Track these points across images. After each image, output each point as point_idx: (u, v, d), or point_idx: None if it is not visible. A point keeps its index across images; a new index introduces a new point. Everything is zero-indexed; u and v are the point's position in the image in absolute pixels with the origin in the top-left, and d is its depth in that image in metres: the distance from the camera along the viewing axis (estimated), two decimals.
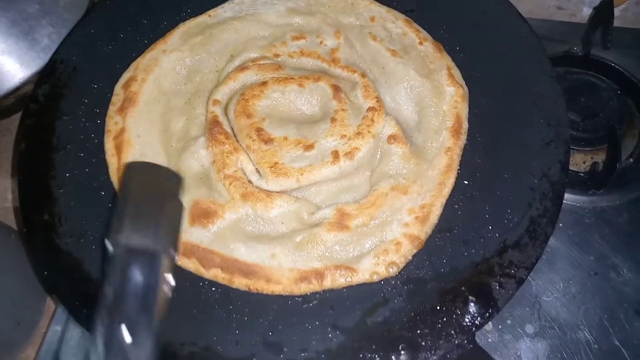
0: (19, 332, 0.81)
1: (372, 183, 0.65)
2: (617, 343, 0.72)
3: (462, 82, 0.72)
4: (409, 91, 0.72)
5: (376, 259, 0.60)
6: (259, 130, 0.68)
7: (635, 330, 0.72)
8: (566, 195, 0.80)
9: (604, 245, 0.78)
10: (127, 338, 0.44)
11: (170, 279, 0.48)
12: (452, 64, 0.73)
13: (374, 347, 0.56)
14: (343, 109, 0.68)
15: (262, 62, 0.75)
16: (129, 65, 0.76)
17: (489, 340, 0.73)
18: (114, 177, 0.68)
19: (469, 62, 0.72)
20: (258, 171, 0.66)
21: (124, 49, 0.78)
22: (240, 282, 0.60)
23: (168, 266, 0.48)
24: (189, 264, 0.62)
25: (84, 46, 0.78)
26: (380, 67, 0.74)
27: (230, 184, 0.65)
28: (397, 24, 0.77)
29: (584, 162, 0.83)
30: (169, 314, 0.58)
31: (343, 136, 0.66)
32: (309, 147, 0.66)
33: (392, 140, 0.65)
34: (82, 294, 0.61)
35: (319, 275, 0.60)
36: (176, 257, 0.51)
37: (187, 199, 0.64)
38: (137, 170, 0.55)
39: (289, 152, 0.66)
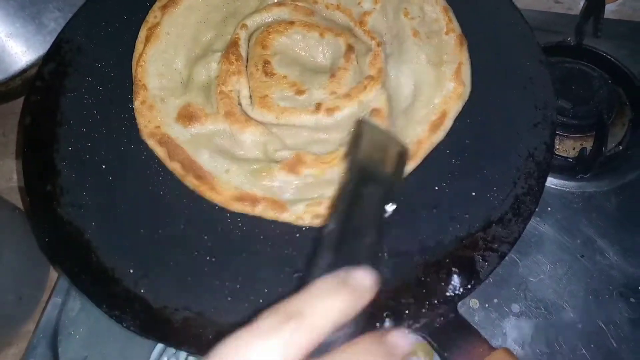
0: (21, 307, 0.83)
1: (339, 144, 0.68)
2: (601, 324, 0.73)
3: (467, 81, 0.71)
4: (412, 74, 0.73)
5: (307, 207, 0.64)
6: (266, 63, 0.73)
7: (619, 310, 0.74)
8: (555, 180, 0.82)
9: (592, 230, 0.79)
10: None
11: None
12: (467, 61, 0.73)
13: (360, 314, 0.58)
14: (346, 69, 0.71)
15: (299, 3, 0.79)
16: (132, 46, 0.78)
17: (476, 318, 0.75)
18: (135, 62, 0.76)
19: None
20: (250, 98, 0.72)
21: (127, 30, 0.80)
22: (190, 181, 0.67)
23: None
24: (160, 151, 0.70)
25: (89, 27, 0.80)
26: (400, 43, 0.76)
27: (221, 100, 0.71)
28: (434, 8, 0.77)
29: (574, 149, 0.85)
30: (163, 281, 0.61)
31: (333, 92, 0.69)
32: (301, 92, 0.70)
33: (375, 114, 0.67)
34: (82, 261, 0.64)
35: (255, 201, 0.65)
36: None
37: (184, 99, 0.72)
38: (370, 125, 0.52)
39: (282, 90, 0.71)
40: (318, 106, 0.68)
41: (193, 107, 0.71)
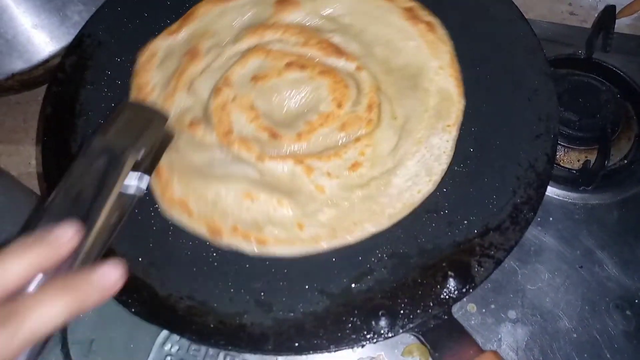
0: None
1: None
2: (596, 334, 0.75)
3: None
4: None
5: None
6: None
7: (614, 322, 0.75)
8: (558, 191, 0.83)
9: (592, 241, 0.80)
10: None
11: (136, 181, 0.57)
12: None
13: (356, 312, 0.60)
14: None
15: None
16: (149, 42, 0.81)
17: (472, 322, 0.76)
18: None
19: (470, 58, 0.75)
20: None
21: (147, 27, 0.83)
22: None
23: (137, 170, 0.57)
24: None
25: (110, 22, 0.84)
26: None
27: None
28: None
29: (578, 160, 0.86)
30: (170, 270, 0.64)
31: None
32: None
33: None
34: None
35: None
36: (147, 178, 0.60)
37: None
38: (129, 103, 0.68)
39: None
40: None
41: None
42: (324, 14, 0.80)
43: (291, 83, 0.75)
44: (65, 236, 0.41)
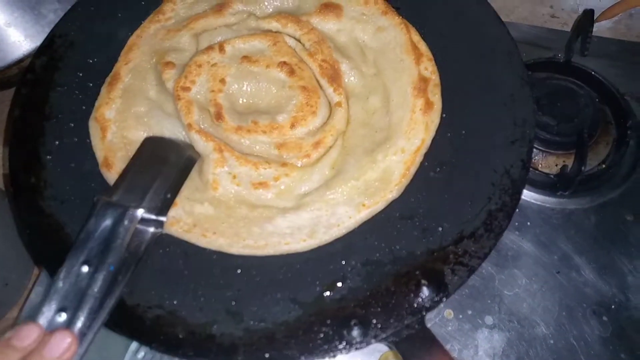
0: (7, 293, 0.84)
1: None
2: (573, 340, 0.74)
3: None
4: None
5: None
6: None
7: (591, 328, 0.75)
8: (535, 196, 0.83)
9: (569, 246, 0.80)
10: (85, 270, 0.55)
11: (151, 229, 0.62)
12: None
13: (328, 321, 0.59)
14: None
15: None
16: (124, 42, 0.79)
17: (449, 328, 0.76)
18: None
19: (446, 62, 0.75)
20: None
21: (121, 27, 0.81)
22: None
23: (150, 223, 0.62)
24: None
25: (83, 22, 0.82)
26: None
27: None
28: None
29: (556, 165, 0.86)
30: (139, 279, 0.63)
31: None
32: None
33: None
34: (61, 255, 0.64)
35: None
36: (164, 218, 0.64)
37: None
38: (149, 141, 0.70)
39: None
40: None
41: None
42: (357, 37, 0.78)
43: (271, 80, 0.74)
44: (28, 340, 0.48)
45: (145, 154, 0.68)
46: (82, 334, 0.52)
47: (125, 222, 0.58)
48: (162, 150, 0.68)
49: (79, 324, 0.53)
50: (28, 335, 0.48)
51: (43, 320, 0.52)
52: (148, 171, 0.65)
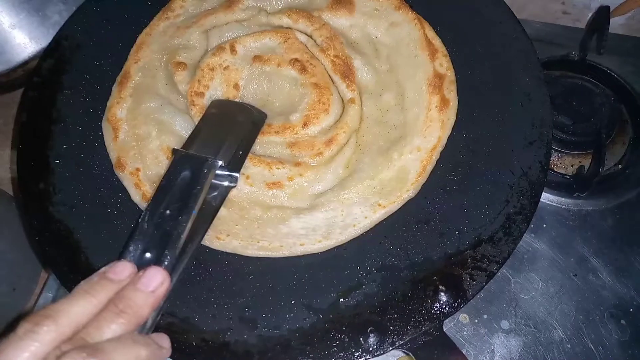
0: (15, 297, 0.84)
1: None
2: (590, 344, 0.73)
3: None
4: None
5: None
6: None
7: (609, 332, 0.73)
8: (551, 197, 0.81)
9: (586, 248, 0.79)
10: (168, 213, 0.54)
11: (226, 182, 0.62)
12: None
13: (344, 328, 0.58)
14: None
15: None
16: (130, 44, 0.78)
17: (464, 333, 0.74)
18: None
19: (462, 61, 0.73)
20: None
21: (127, 28, 0.80)
22: None
23: (224, 177, 0.61)
24: None
25: (89, 24, 0.80)
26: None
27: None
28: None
29: (572, 165, 0.84)
30: None
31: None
32: None
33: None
34: (70, 261, 0.64)
35: None
36: (237, 174, 0.63)
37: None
38: (217, 103, 0.71)
39: None
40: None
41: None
42: (370, 33, 0.77)
43: (283, 79, 0.73)
44: (123, 275, 0.47)
45: (215, 113, 0.68)
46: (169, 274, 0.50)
47: (205, 171, 0.58)
48: (231, 111, 0.69)
49: (166, 262, 0.51)
50: (122, 270, 0.47)
51: (130, 259, 0.51)
52: (220, 128, 0.66)
